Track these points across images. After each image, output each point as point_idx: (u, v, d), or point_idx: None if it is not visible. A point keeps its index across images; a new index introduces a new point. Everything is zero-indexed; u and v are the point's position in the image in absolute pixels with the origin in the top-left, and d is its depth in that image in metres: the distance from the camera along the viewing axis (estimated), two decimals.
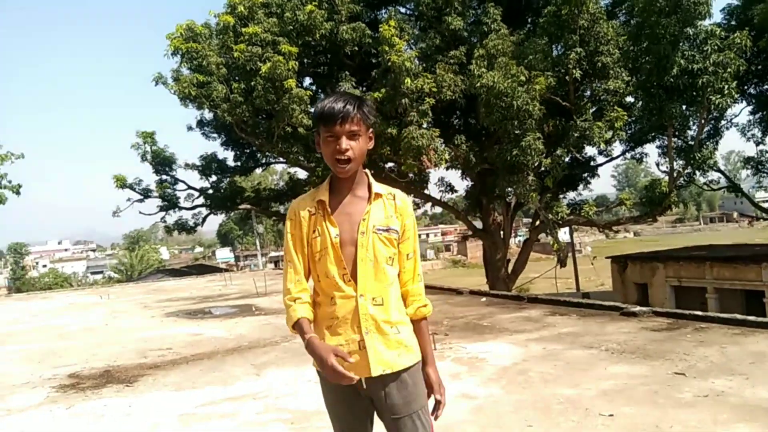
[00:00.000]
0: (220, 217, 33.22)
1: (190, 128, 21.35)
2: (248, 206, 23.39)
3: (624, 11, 16.72)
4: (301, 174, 22.65)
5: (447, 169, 17.41)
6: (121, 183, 20.72)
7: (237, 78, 15.24)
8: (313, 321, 2.10)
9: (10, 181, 17.96)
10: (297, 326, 2.06)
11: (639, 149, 18.91)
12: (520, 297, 10.37)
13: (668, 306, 15.03)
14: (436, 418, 2.17)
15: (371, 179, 2.17)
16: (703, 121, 14.74)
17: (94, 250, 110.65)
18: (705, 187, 20.74)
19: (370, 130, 2.12)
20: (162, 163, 21.01)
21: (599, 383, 4.89)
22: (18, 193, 17.67)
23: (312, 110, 16.62)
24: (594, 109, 15.47)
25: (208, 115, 19.46)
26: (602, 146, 15.33)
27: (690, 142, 15.73)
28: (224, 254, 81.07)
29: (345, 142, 2.01)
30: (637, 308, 7.82)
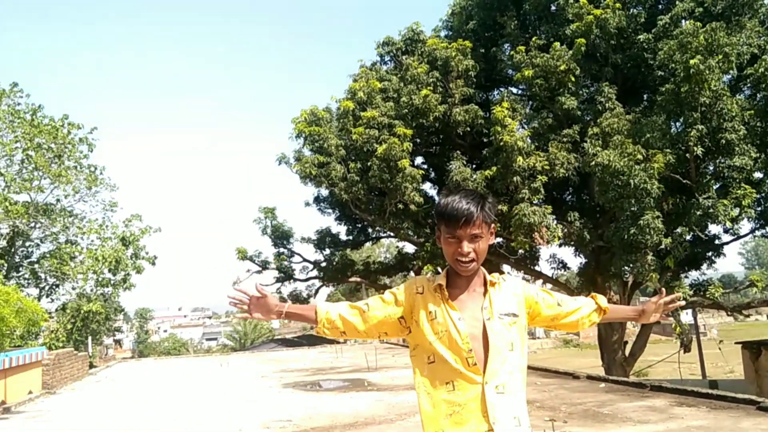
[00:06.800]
0: (329, 288, 34.16)
1: (307, 204, 22.46)
2: (358, 279, 23.96)
3: (749, 85, 16.11)
4: (409, 248, 23.05)
5: (560, 246, 17.09)
6: (243, 255, 21.95)
7: (354, 158, 16.06)
8: (428, 408, 2.09)
9: (147, 253, 19.66)
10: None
11: None
12: (642, 384, 9.85)
13: None
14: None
15: (486, 274, 2.19)
16: None
17: (210, 317, 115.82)
18: None
19: (492, 226, 2.14)
20: (281, 236, 22.13)
21: None
22: (154, 264, 19.26)
23: (423, 188, 17.20)
24: (718, 186, 14.77)
25: (324, 192, 20.46)
26: (728, 224, 14.52)
27: None
28: None
29: (467, 246, 2.04)
30: None
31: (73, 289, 20.95)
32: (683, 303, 2.36)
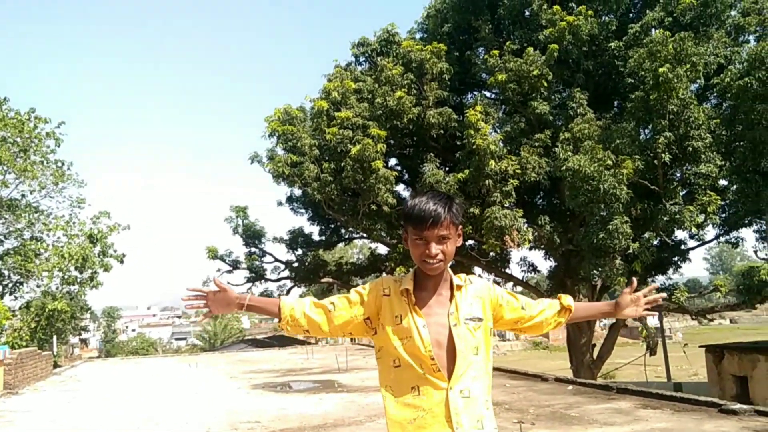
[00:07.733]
0: (301, 289, 34.00)
1: (279, 204, 22.33)
2: (330, 279, 23.89)
3: (715, 94, 16.48)
4: (382, 249, 23.07)
5: (530, 249, 17.29)
6: (213, 254, 21.71)
7: (327, 158, 16.01)
8: (393, 411, 2.08)
9: (115, 251, 19.32)
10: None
11: (734, 233, 18.05)
12: (608, 387, 9.99)
13: None
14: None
15: (453, 276, 2.18)
16: None
17: (179, 317, 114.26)
18: None
19: (459, 227, 2.13)
20: (252, 236, 21.96)
21: None
22: (122, 261, 18.93)
23: (396, 190, 17.22)
24: (684, 192, 15.09)
25: (297, 192, 20.36)
26: (694, 230, 14.83)
27: None
28: None
29: (435, 247, 2.03)
30: (738, 406, 7.39)
31: (38, 286, 20.50)
32: (664, 295, 2.37)
